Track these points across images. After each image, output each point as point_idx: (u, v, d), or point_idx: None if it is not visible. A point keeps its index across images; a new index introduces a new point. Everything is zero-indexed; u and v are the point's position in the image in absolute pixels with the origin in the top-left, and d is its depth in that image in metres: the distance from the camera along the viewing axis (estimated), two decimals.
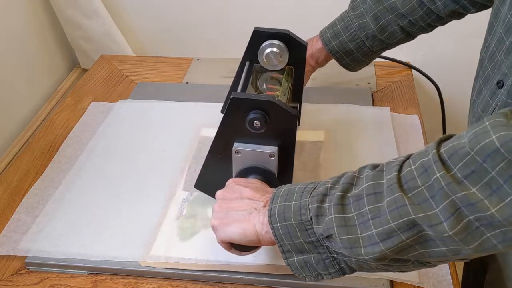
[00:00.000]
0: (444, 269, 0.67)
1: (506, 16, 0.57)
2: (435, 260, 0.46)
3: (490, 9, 0.64)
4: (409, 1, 0.78)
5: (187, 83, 1.09)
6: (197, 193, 0.79)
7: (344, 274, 0.53)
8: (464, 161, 0.40)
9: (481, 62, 0.65)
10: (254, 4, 1.19)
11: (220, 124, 0.66)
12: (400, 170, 0.45)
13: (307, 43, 0.79)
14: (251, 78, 0.77)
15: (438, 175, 0.41)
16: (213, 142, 0.68)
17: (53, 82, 1.18)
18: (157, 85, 1.07)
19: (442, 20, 0.81)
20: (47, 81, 1.16)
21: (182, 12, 1.23)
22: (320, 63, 0.89)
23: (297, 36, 0.77)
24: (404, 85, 1.04)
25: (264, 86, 0.78)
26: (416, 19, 0.80)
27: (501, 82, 0.56)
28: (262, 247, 0.64)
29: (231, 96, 0.63)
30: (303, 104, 0.96)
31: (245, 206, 0.58)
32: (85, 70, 1.23)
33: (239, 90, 0.72)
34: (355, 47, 0.84)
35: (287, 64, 0.78)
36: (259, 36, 0.77)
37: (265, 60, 0.77)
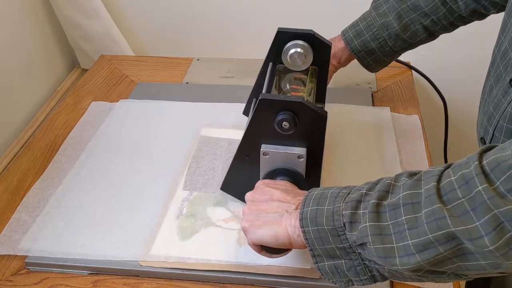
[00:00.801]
0: None
1: None
2: (472, 273, 0.45)
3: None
4: (432, 0, 0.78)
5: (187, 83, 1.09)
6: (197, 192, 0.79)
7: (375, 281, 0.52)
8: (507, 174, 0.39)
9: (493, 61, 0.65)
10: (254, 4, 1.19)
11: (248, 125, 0.66)
12: (439, 180, 0.44)
13: (331, 43, 0.78)
14: (275, 79, 0.77)
15: (480, 188, 0.40)
16: (240, 144, 0.68)
17: (53, 82, 1.18)
18: (157, 85, 1.07)
19: (464, 19, 0.80)
20: (47, 81, 1.16)
21: (182, 12, 1.23)
22: (343, 63, 0.89)
23: (321, 36, 0.77)
24: (404, 85, 1.04)
25: (288, 87, 0.77)
26: (439, 17, 0.79)
27: None
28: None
29: (260, 98, 0.62)
30: None
31: (276, 209, 0.57)
32: (85, 70, 1.23)
33: (264, 91, 0.72)
34: (377, 46, 0.84)
35: (311, 64, 0.77)
36: (283, 37, 0.76)
37: (289, 60, 0.76)
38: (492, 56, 0.65)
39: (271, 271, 0.67)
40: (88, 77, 1.12)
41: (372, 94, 1.01)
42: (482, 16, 0.80)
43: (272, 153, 0.65)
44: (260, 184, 0.63)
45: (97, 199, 0.79)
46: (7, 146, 1.00)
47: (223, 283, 0.68)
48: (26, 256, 0.71)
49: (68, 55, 1.25)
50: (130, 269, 0.69)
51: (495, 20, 0.74)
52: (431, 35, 0.83)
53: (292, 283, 0.66)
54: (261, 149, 0.66)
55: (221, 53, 1.22)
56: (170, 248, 0.70)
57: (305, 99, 0.62)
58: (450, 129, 1.11)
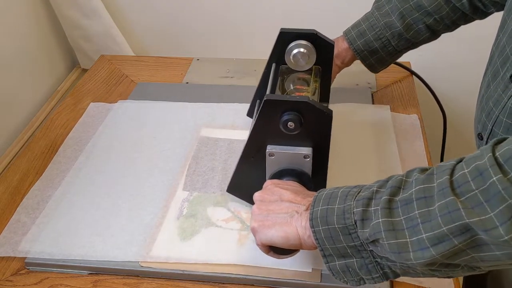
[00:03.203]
0: None
1: None
2: (487, 265, 0.45)
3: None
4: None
5: (187, 83, 1.09)
6: (197, 193, 0.79)
7: (387, 279, 0.52)
8: None
9: (490, 58, 0.65)
10: (255, 4, 1.19)
11: (253, 126, 0.65)
12: (452, 173, 0.44)
13: (334, 42, 0.78)
14: (279, 79, 0.76)
15: (494, 178, 0.40)
16: (245, 146, 0.67)
17: (53, 82, 1.18)
18: (157, 85, 1.07)
19: (466, 17, 0.81)
20: (47, 81, 1.16)
21: (182, 12, 1.23)
22: (347, 63, 0.89)
23: (324, 36, 0.77)
24: (404, 85, 1.04)
25: (292, 87, 0.77)
26: (442, 16, 0.80)
27: None
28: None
29: (265, 99, 0.62)
30: None
31: (286, 209, 0.57)
32: (85, 70, 1.23)
33: (268, 91, 0.71)
34: (380, 46, 0.84)
35: (314, 64, 0.77)
36: (286, 37, 0.76)
37: (292, 60, 0.76)
38: (490, 54, 0.66)
39: (272, 274, 0.66)
40: (88, 77, 1.12)
41: (372, 94, 1.01)
42: (483, 14, 0.80)
43: (278, 153, 0.65)
44: (269, 184, 0.63)
45: (96, 200, 0.79)
46: (7, 146, 1.00)
47: (223, 283, 0.68)
48: (26, 256, 0.71)
49: (68, 55, 1.25)
50: (130, 269, 0.69)
51: (495, 20, 0.74)
52: (433, 35, 0.84)
53: (292, 283, 0.66)
54: (267, 150, 0.65)
55: (221, 53, 1.22)
56: (170, 248, 0.70)
57: (310, 99, 0.62)
58: (449, 129, 1.11)
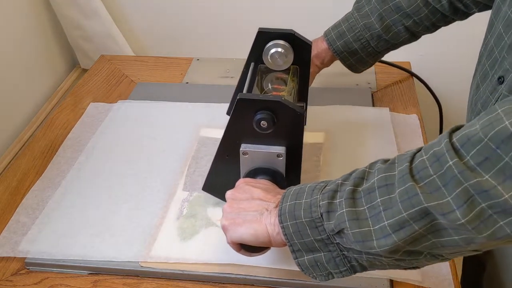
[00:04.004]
0: (444, 268, 0.67)
1: (506, 13, 0.57)
2: (448, 251, 0.46)
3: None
4: (414, 1, 0.79)
5: (187, 83, 1.09)
6: (197, 193, 0.79)
7: (355, 272, 0.53)
8: (477, 148, 0.40)
9: (479, 60, 0.65)
10: (255, 4, 1.19)
11: (227, 125, 0.66)
12: (412, 161, 0.45)
13: (311, 43, 0.79)
14: (256, 79, 0.77)
15: (451, 162, 0.41)
16: (220, 144, 0.68)
17: (53, 82, 1.18)
18: (157, 85, 1.07)
19: (446, 19, 0.81)
20: (47, 81, 1.16)
21: (182, 12, 1.23)
22: (326, 64, 0.89)
23: (301, 36, 0.77)
24: (404, 85, 1.04)
25: (270, 86, 0.78)
26: (421, 18, 0.80)
27: (502, 78, 0.57)
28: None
29: (238, 97, 0.62)
30: None
31: (257, 207, 0.58)
32: (85, 70, 1.23)
33: (245, 91, 0.72)
34: (359, 47, 0.84)
35: (292, 64, 0.78)
36: (264, 37, 0.76)
37: (270, 60, 0.77)
38: (479, 55, 0.66)
39: (272, 274, 0.67)
40: (88, 77, 1.12)
41: (372, 94, 1.01)
42: (464, 15, 0.81)
43: (251, 152, 0.66)
44: (241, 182, 0.64)
45: (96, 200, 0.79)
46: (7, 146, 1.00)
47: (223, 283, 0.68)
48: (26, 256, 0.71)
49: (68, 55, 1.25)
50: (130, 269, 0.69)
51: None
52: (413, 36, 0.84)
53: (292, 283, 0.66)
54: (241, 149, 0.66)
55: (221, 53, 1.22)
56: (170, 248, 0.70)
57: (283, 98, 0.62)
58: (445, 129, 1.11)
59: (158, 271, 0.68)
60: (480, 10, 0.78)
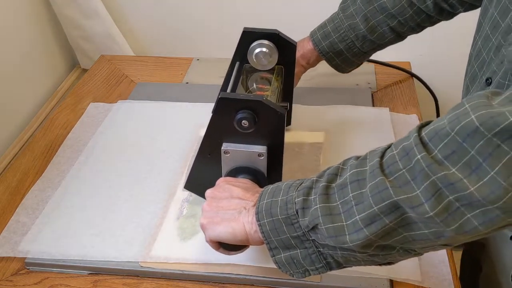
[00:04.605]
0: (445, 268, 0.67)
1: (492, 14, 0.58)
2: (419, 245, 0.46)
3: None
4: (399, 1, 0.79)
5: (187, 83, 1.09)
6: None
7: (331, 269, 0.53)
8: (444, 141, 0.41)
9: (469, 61, 0.65)
10: (255, 4, 1.19)
11: (209, 124, 0.66)
12: (382, 156, 0.46)
13: (296, 43, 0.79)
14: (242, 78, 0.78)
15: (419, 156, 0.42)
16: (202, 143, 0.68)
17: (53, 82, 1.18)
18: (157, 85, 1.07)
19: (431, 19, 0.81)
20: (47, 81, 1.16)
21: (182, 12, 1.23)
22: (312, 64, 0.90)
23: (286, 36, 0.78)
24: (404, 85, 1.04)
25: (255, 86, 0.79)
26: (406, 19, 0.80)
27: (490, 80, 0.57)
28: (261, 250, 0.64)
29: (219, 96, 0.63)
30: (303, 106, 0.96)
31: (235, 206, 0.58)
32: (85, 70, 1.23)
33: (228, 90, 0.73)
34: (345, 47, 0.85)
35: (277, 64, 0.78)
36: (249, 37, 0.77)
37: (254, 60, 0.77)
38: (469, 56, 0.66)
39: (272, 274, 0.66)
40: (88, 77, 1.12)
41: (372, 94, 1.01)
42: (449, 15, 0.81)
43: (233, 151, 0.66)
44: (221, 181, 0.64)
45: (96, 200, 0.79)
46: (7, 146, 1.00)
47: (223, 283, 0.68)
48: (26, 256, 0.71)
49: (68, 55, 1.25)
50: (130, 269, 0.69)
51: None
52: (398, 36, 0.84)
53: (292, 283, 0.66)
54: (222, 148, 0.66)
55: (221, 53, 1.22)
56: (170, 249, 0.70)
57: (264, 98, 0.63)
58: None
59: (158, 271, 0.68)
60: (466, 10, 0.78)
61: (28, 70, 1.09)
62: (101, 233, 0.73)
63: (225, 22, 1.23)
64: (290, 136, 0.89)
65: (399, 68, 1.06)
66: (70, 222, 0.75)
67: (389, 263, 0.52)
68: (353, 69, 0.91)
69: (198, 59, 1.16)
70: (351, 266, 0.53)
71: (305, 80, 1.01)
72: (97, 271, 0.70)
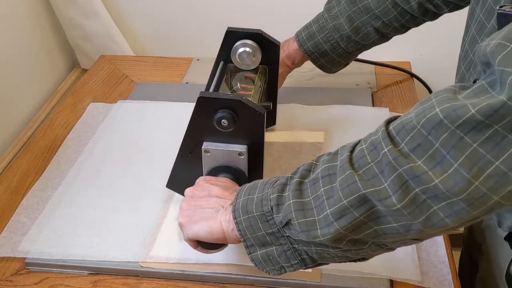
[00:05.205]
0: (445, 268, 0.67)
1: (478, 15, 0.58)
2: (390, 240, 0.47)
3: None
4: (383, 2, 0.79)
5: (187, 83, 1.09)
6: None
7: (306, 265, 0.54)
8: (411, 135, 0.41)
9: (458, 63, 0.66)
10: (255, 4, 1.19)
11: (189, 123, 0.67)
12: (352, 150, 0.47)
13: (279, 43, 0.80)
14: (226, 77, 0.78)
15: (386, 149, 0.42)
16: (182, 141, 0.69)
17: (53, 82, 1.18)
18: (157, 85, 1.07)
19: (416, 20, 0.81)
20: (47, 81, 1.16)
21: (182, 12, 1.23)
22: (297, 64, 0.90)
23: (269, 36, 0.78)
24: (404, 85, 1.04)
25: (238, 85, 0.79)
26: (390, 20, 0.80)
27: (477, 81, 0.57)
28: None
29: (199, 96, 0.64)
30: (303, 106, 0.96)
31: (213, 204, 0.59)
32: (85, 70, 1.23)
33: (211, 89, 0.73)
34: (330, 48, 0.85)
35: (261, 63, 0.79)
36: (232, 36, 0.78)
37: (238, 59, 0.78)
38: (458, 57, 0.66)
39: None
40: (88, 77, 1.12)
41: (372, 94, 1.01)
42: (434, 15, 0.81)
43: (213, 150, 0.67)
44: (201, 180, 0.64)
45: (96, 200, 0.79)
46: (7, 146, 1.00)
47: (223, 283, 0.68)
48: (26, 256, 0.71)
49: (68, 55, 1.25)
50: (130, 269, 0.69)
51: None
52: (383, 37, 0.84)
53: (292, 283, 0.66)
54: (203, 147, 0.67)
55: None
56: (170, 248, 0.70)
57: (244, 98, 0.63)
58: None
59: (158, 271, 0.68)
60: (451, 10, 0.79)
61: (28, 70, 1.09)
62: (101, 233, 0.73)
63: (225, 22, 1.23)
64: (290, 136, 0.89)
65: (399, 68, 1.06)
66: (70, 222, 0.75)
67: (363, 259, 0.52)
68: (339, 70, 0.91)
69: (198, 59, 1.16)
70: (326, 263, 0.54)
71: (305, 80, 1.02)
72: (97, 271, 0.70)
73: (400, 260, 0.67)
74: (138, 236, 0.72)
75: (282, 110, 0.94)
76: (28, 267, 0.71)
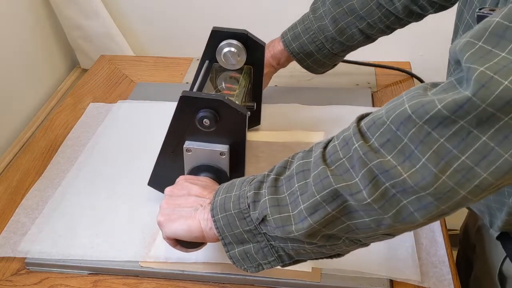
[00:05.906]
0: (445, 268, 0.67)
1: (465, 17, 0.58)
2: (363, 235, 0.47)
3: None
4: (367, 3, 0.79)
5: (187, 83, 1.09)
6: None
7: (283, 261, 0.54)
8: (380, 130, 0.42)
9: (448, 63, 0.66)
10: (254, 4, 1.19)
11: (171, 122, 0.67)
12: (326, 147, 0.48)
13: (264, 43, 0.80)
14: (210, 77, 0.78)
15: (356, 145, 0.43)
16: (164, 140, 0.69)
17: (53, 82, 1.18)
18: (157, 85, 1.07)
19: (401, 21, 0.81)
20: (47, 81, 1.16)
21: (182, 12, 1.23)
22: (282, 64, 0.90)
23: (254, 36, 0.79)
24: (404, 85, 1.04)
25: (223, 85, 0.80)
26: (375, 21, 0.80)
27: None
28: None
29: (180, 95, 0.64)
30: (303, 106, 0.96)
31: (192, 203, 0.59)
32: (85, 70, 1.23)
33: (195, 89, 0.74)
34: (315, 49, 0.85)
35: (246, 63, 0.79)
36: (217, 36, 0.78)
37: (223, 59, 0.78)
38: (448, 58, 0.66)
39: (272, 274, 0.66)
40: (88, 77, 1.12)
41: (372, 94, 1.01)
42: (419, 16, 0.81)
43: (195, 149, 0.67)
44: (181, 179, 0.65)
45: (96, 200, 0.79)
46: (7, 146, 1.00)
47: (223, 283, 0.68)
48: (26, 256, 0.71)
49: (68, 55, 1.25)
50: (130, 269, 0.69)
51: None
52: (368, 38, 0.84)
53: (292, 283, 0.66)
54: (185, 146, 0.67)
55: None
56: (170, 248, 0.70)
57: (226, 98, 0.63)
58: None
59: (158, 271, 0.68)
60: (436, 11, 0.78)
61: (28, 70, 1.09)
62: (101, 233, 0.73)
63: (225, 22, 1.23)
64: (290, 136, 0.89)
65: (399, 69, 1.06)
66: (70, 222, 0.75)
67: (339, 255, 0.53)
68: (326, 71, 0.91)
69: (198, 59, 1.16)
70: (303, 260, 0.54)
71: (305, 80, 1.02)
72: (97, 271, 0.70)
73: (400, 260, 0.67)
74: (138, 236, 0.72)
75: (282, 110, 0.95)
76: (28, 267, 0.71)
